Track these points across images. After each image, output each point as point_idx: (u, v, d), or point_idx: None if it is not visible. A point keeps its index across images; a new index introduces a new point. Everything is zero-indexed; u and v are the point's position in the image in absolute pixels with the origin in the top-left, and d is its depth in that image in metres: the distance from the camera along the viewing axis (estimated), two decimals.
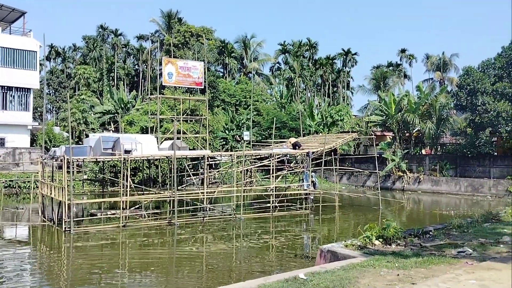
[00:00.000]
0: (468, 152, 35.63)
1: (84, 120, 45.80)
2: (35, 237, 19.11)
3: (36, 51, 40.56)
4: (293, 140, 28.42)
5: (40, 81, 47.62)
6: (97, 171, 34.07)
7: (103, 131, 46.58)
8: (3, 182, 31.54)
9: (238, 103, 48.16)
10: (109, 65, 70.08)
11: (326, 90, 72.61)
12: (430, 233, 11.62)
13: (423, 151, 42.23)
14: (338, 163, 30.63)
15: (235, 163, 29.88)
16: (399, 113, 40.64)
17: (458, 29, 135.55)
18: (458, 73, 52.40)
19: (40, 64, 51.41)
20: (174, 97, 36.44)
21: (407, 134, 42.28)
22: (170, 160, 27.50)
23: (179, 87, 40.01)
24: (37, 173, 25.33)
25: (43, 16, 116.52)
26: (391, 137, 44.28)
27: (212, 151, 34.58)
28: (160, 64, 45.78)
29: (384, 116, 42.44)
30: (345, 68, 74.74)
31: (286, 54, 70.30)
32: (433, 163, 38.10)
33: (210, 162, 30.97)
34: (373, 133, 43.62)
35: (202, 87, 35.17)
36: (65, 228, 18.60)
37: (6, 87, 39.25)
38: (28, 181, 31.35)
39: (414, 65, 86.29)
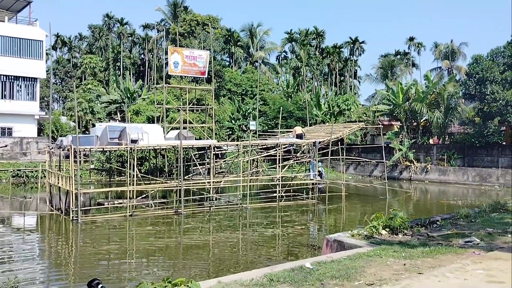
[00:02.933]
0: (476, 142, 35.38)
1: (90, 109, 45.97)
2: (43, 226, 19.31)
3: (42, 41, 40.62)
4: (298, 129, 28.33)
5: (47, 71, 47.77)
6: (104, 161, 34.23)
7: (109, 120, 46.74)
8: (11, 172, 31.82)
9: (244, 92, 48.05)
10: (115, 55, 70.09)
11: (333, 79, 72.21)
12: (437, 223, 11.59)
13: (431, 141, 41.97)
14: (345, 153, 30.52)
15: (241, 153, 29.92)
16: (407, 102, 40.36)
17: (467, 17, 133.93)
18: (467, 62, 51.89)
19: (46, 54, 51.49)
20: (180, 87, 36.40)
21: (414, 124, 42.03)
22: (176, 149, 27.57)
23: (185, 76, 39.99)
24: (45, 162, 25.49)
25: (49, 5, 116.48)
26: (399, 127, 44.03)
27: (218, 141, 34.58)
28: (166, 53, 45.64)
29: (392, 106, 42.17)
30: (353, 57, 74.21)
31: (293, 42, 69.87)
32: (440, 152, 37.90)
33: (216, 152, 30.98)
34: (380, 123, 43.35)
35: (206, 76, 35.11)
36: (72, 217, 18.76)
37: (13, 77, 39.41)
38: (36, 171, 31.59)
39: (422, 54, 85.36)
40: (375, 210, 17.38)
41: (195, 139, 30.69)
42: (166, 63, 45.51)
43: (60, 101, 70.70)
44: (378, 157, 38.30)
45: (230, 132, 43.43)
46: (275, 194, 24.18)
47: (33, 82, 40.42)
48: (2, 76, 39.04)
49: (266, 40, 67.25)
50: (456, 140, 39.16)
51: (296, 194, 25.54)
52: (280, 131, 32.31)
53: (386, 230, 10.20)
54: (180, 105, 35.83)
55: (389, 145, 38.34)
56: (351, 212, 23.08)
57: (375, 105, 49.29)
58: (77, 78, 66.32)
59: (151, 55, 71.77)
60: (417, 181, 36.96)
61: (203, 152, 32.53)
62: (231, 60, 64.68)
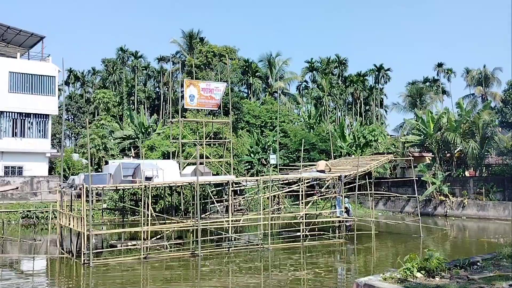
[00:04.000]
0: None
1: (103, 146, 46.78)
2: (53, 270, 19.37)
3: (54, 76, 41.91)
4: (322, 164, 28.24)
5: (59, 107, 49.04)
6: (117, 200, 34.52)
7: (123, 157, 47.41)
8: (21, 213, 32.28)
9: (263, 124, 48.43)
10: (129, 89, 71.75)
11: (357, 109, 72.30)
12: (478, 264, 11.24)
13: (467, 173, 41.19)
14: (373, 187, 30.16)
15: (262, 189, 29.83)
16: (439, 132, 39.95)
17: (499, 42, 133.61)
18: (502, 88, 51.49)
19: (59, 89, 52.95)
20: (196, 120, 36.88)
21: (448, 155, 41.44)
22: (192, 186, 27.65)
23: (201, 109, 40.54)
24: (55, 202, 25.81)
25: (62, 40, 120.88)
26: (431, 158, 43.48)
27: (236, 176, 34.61)
28: (182, 86, 46.53)
29: (422, 136, 41.80)
30: (378, 85, 74.43)
31: (314, 72, 70.61)
32: (478, 186, 37.08)
33: (235, 188, 31.02)
34: (410, 154, 42.90)
35: (219, 109, 35.63)
36: (84, 260, 18.80)
37: (24, 114, 40.54)
38: (46, 211, 31.97)
39: (452, 80, 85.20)
40: (409, 250, 17.00)
41: (212, 174, 30.81)
42: (182, 96, 46.39)
43: (72, 138, 72.25)
44: (409, 192, 37.67)
45: (249, 167, 43.51)
46: (298, 233, 23.88)
47: (44, 119, 41.49)
48: (13, 113, 40.21)
49: (285, 70, 68.15)
50: (495, 172, 38.33)
51: (322, 233, 25.18)
52: (303, 165, 32.24)
53: (421, 273, 9.93)
54: (196, 139, 36.19)
55: (421, 178, 37.76)
56: (382, 253, 22.58)
57: (404, 135, 48.97)
58: (90, 114, 67.88)
59: (166, 89, 73.24)
60: (454, 217, 36.11)
61: (221, 188, 32.58)
62: (249, 91, 65.52)
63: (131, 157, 46.45)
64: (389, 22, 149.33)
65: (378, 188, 38.67)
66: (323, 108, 62.05)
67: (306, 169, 30.27)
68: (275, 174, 29.43)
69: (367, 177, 29.04)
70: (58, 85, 46.21)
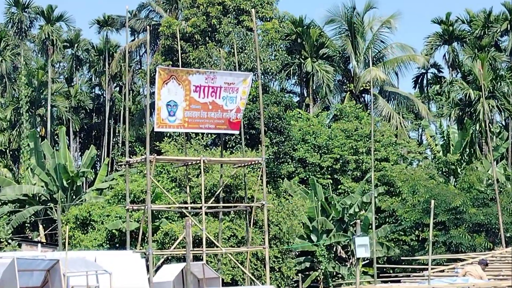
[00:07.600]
0: None
1: None
2: None
3: None
4: (477, 271, 27.92)
5: None
6: None
7: (20, 245, 47.66)
8: None
9: (339, 166, 48.12)
10: (33, 91, 72.52)
11: None
12: None
13: None
14: None
15: None
16: None
17: None
18: None
19: None
20: (186, 160, 36.70)
21: None
22: None
23: (195, 134, 40.50)
24: None
25: None
26: None
27: None
28: (152, 82, 46.41)
29: None
30: None
31: (454, 43, 70.34)
32: None
33: None
34: None
35: (234, 132, 35.29)
36: None
37: None
38: None
39: None
40: None
41: (224, 284, 30.60)
42: (151, 105, 46.27)
43: None
44: None
45: (308, 265, 43.14)
46: None
47: None
48: None
49: (387, 41, 68.23)
50: None
51: None
52: (434, 260, 31.77)
53: None
54: (185, 201, 36.12)
55: None
56: None
57: None
58: None
59: (117, 88, 74.02)
60: None
61: None
62: (304, 91, 65.59)
63: (39, 244, 46.72)
64: None
65: None
66: (477, 126, 61.27)
67: (443, 271, 29.91)
68: (370, 284, 29.01)
69: None
70: None
